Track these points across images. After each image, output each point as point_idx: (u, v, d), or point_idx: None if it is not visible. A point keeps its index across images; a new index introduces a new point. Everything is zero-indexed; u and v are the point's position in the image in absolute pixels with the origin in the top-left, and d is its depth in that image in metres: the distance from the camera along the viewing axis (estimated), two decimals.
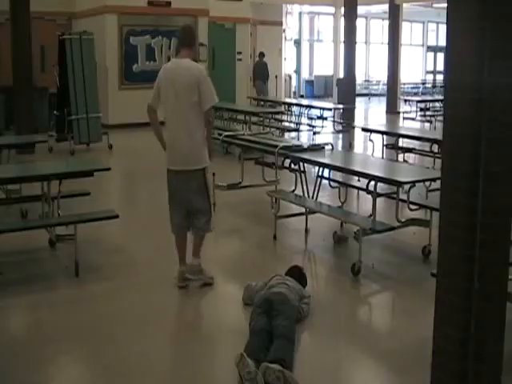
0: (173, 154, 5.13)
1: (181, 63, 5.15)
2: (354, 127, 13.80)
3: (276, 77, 20.75)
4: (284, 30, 22.29)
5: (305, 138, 13.58)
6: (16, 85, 11.69)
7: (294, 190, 7.17)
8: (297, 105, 15.37)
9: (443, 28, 3.42)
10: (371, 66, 28.52)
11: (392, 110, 19.50)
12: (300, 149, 7.08)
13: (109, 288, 5.33)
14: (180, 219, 5.21)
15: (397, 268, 5.89)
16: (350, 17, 16.57)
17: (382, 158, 9.78)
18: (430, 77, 30.22)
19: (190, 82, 5.01)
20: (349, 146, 12.97)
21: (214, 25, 17.27)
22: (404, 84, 24.30)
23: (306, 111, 14.66)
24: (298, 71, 25.54)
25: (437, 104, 17.06)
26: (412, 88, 26.68)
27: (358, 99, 18.45)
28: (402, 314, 5.01)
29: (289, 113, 15.35)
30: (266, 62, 18.54)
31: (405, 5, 20.15)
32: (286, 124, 14.52)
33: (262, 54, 18.54)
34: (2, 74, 13.68)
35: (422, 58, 30.44)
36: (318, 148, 7.14)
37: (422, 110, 16.55)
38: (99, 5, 15.06)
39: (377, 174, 5.96)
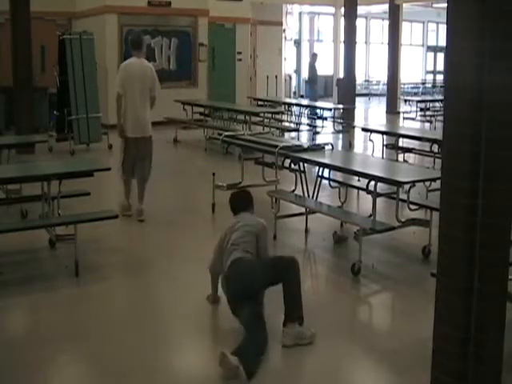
0: (137, 126, 7.21)
1: (143, 62, 7.36)
2: (354, 127, 13.77)
3: (276, 77, 20.75)
4: (284, 30, 22.26)
5: (305, 138, 13.57)
6: (16, 85, 11.66)
7: (294, 190, 7.16)
8: (297, 105, 15.36)
9: (443, 28, 3.42)
10: (371, 66, 28.50)
11: (392, 110, 19.49)
12: (300, 149, 7.08)
13: (109, 288, 5.33)
14: (132, 171, 7.33)
15: (397, 268, 5.89)
16: (350, 17, 16.58)
17: (382, 157, 9.77)
18: (430, 77, 30.19)
19: (149, 75, 7.29)
20: (349, 145, 12.96)
21: (214, 25, 17.26)
22: (404, 84, 24.26)
23: (306, 111, 14.62)
24: (298, 71, 25.51)
25: (437, 104, 17.04)
26: (412, 88, 26.64)
27: (358, 99, 18.44)
28: (402, 314, 5.01)
29: (289, 113, 15.34)
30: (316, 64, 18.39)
31: (405, 5, 20.14)
32: (286, 124, 14.50)
33: (314, 55, 18.32)
34: (2, 73, 13.66)
35: (422, 58, 30.42)
36: (318, 148, 7.14)
37: (422, 110, 16.53)
38: (99, 5, 15.04)
39: (377, 173, 5.96)
